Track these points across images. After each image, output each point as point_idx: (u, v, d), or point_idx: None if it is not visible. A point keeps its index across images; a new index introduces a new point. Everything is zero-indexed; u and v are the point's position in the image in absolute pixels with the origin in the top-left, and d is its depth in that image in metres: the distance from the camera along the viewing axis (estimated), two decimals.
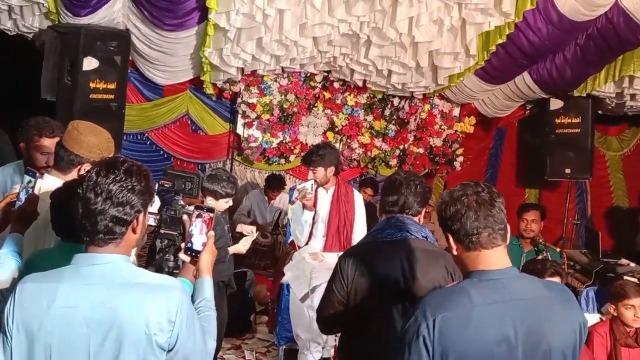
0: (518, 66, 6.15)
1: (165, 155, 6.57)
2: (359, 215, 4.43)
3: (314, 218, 4.33)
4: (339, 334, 4.11)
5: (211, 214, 2.04)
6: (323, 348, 4.28)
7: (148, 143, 6.46)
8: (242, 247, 3.96)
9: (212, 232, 2.03)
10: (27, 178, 2.36)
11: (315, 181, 4.24)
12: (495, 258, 1.80)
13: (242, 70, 6.08)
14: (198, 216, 2.04)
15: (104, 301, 1.62)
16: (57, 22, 5.39)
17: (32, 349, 1.63)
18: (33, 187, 2.34)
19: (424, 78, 6.26)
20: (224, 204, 3.89)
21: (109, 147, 2.66)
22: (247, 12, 5.12)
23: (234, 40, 5.42)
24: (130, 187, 1.69)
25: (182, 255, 2.04)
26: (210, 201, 3.81)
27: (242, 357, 4.65)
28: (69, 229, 2.14)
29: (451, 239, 1.85)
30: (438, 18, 5.36)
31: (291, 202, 4.31)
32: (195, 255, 2.01)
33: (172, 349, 1.69)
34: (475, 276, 1.80)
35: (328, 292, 2.54)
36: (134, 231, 1.73)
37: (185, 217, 2.12)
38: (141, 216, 1.74)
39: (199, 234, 2.03)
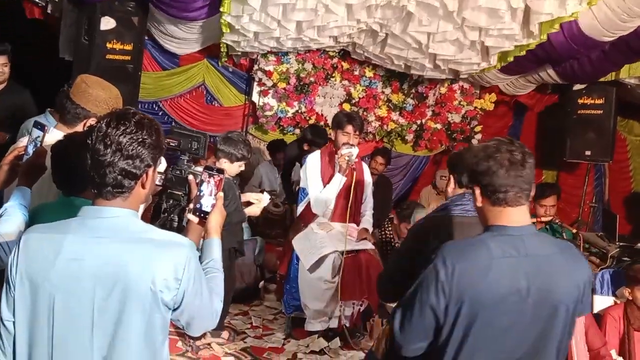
0: (538, 65, 6.06)
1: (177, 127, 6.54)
2: (367, 187, 4.39)
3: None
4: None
5: (221, 175, 2.00)
6: (330, 319, 4.27)
7: (160, 113, 6.39)
8: (257, 209, 3.94)
9: (221, 194, 2.00)
10: (35, 132, 2.33)
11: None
12: (516, 215, 1.87)
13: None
14: (208, 177, 2.00)
15: (110, 255, 1.59)
16: None
17: (36, 299, 1.61)
18: (41, 141, 2.31)
19: (443, 74, 6.25)
20: (237, 167, 3.87)
21: (117, 103, 2.61)
22: (258, 20, 5.05)
23: (250, 37, 5.41)
24: (140, 140, 1.64)
25: (191, 216, 2.00)
26: (224, 164, 3.80)
27: (250, 323, 4.66)
28: (68, 182, 2.12)
29: (478, 192, 1.92)
30: (457, 39, 5.26)
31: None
32: (204, 216, 1.97)
33: (178, 307, 1.66)
34: (495, 230, 1.88)
35: (404, 261, 2.46)
36: (143, 186, 1.69)
37: (190, 177, 2.09)
38: (151, 171, 1.70)
39: (209, 195, 1.99)
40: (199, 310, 1.72)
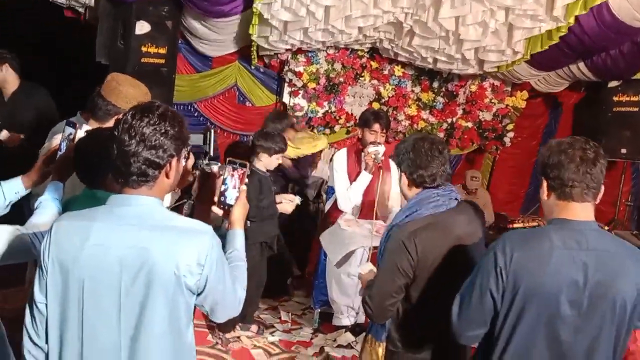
0: (569, 58, 5.96)
1: (212, 127, 6.63)
2: (394, 185, 4.41)
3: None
4: None
5: (244, 169, 2.07)
6: (357, 313, 4.32)
7: (196, 114, 6.51)
8: (288, 207, 4.05)
9: (244, 187, 2.06)
10: (68, 129, 2.44)
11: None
12: (581, 211, 1.90)
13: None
14: (232, 170, 2.07)
15: (136, 242, 1.66)
16: None
17: (67, 283, 1.69)
18: (73, 138, 2.43)
19: (471, 67, 6.14)
20: (275, 161, 4.04)
21: (146, 100, 2.70)
22: (289, 6, 5.09)
23: (280, 30, 5.44)
24: (163, 131, 1.71)
25: (215, 209, 2.08)
26: (263, 158, 3.94)
27: (278, 317, 4.74)
28: (90, 175, 2.21)
29: (545, 185, 1.96)
30: (483, 20, 5.19)
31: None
32: (228, 208, 2.05)
33: (201, 293, 1.73)
34: (558, 223, 1.92)
35: (388, 278, 2.35)
36: (167, 176, 1.76)
37: (214, 169, 2.16)
38: (174, 161, 1.76)
39: (232, 188, 2.06)
40: (222, 296, 1.79)
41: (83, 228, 1.70)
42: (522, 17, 5.14)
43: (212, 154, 4.07)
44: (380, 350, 2.46)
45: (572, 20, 5.05)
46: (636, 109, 6.47)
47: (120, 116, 1.77)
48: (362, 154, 4.27)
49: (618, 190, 6.82)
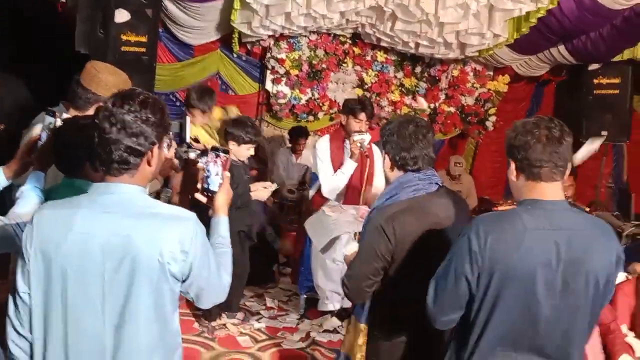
0: (550, 42, 6.00)
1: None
2: (378, 170, 4.43)
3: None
4: None
5: (227, 156, 2.07)
6: (342, 298, 4.34)
7: (178, 104, 6.45)
8: (264, 193, 4.01)
9: (227, 173, 2.06)
10: (48, 119, 2.42)
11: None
12: (550, 190, 1.90)
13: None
14: (215, 157, 2.07)
15: (119, 229, 1.65)
16: None
17: (49, 272, 1.68)
18: (54, 127, 2.41)
19: (452, 51, 6.17)
20: (245, 151, 3.94)
21: (126, 87, 2.69)
22: None
23: (262, 15, 5.41)
24: (145, 118, 1.70)
25: (199, 196, 2.08)
26: (232, 146, 3.87)
27: (264, 304, 4.76)
28: (68, 164, 2.19)
29: (513, 166, 1.96)
30: (464, 2, 5.21)
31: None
32: (211, 195, 2.05)
33: (186, 280, 1.73)
34: (529, 203, 1.92)
35: (365, 260, 2.36)
36: (149, 163, 1.75)
37: (191, 156, 2.15)
38: (156, 149, 1.75)
39: (215, 175, 2.06)
40: (207, 282, 1.79)
41: (65, 217, 1.70)
42: None
43: (188, 141, 4.00)
44: (362, 331, 2.48)
45: (555, 2, 5.07)
46: (616, 92, 6.53)
47: (101, 104, 1.76)
48: (347, 141, 4.28)
49: (599, 172, 6.89)
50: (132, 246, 1.65)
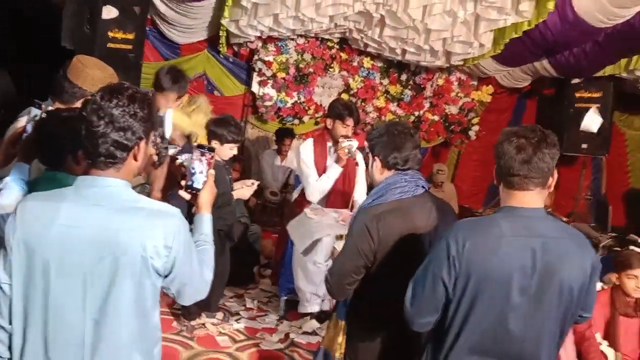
0: (534, 55, 6.09)
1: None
2: (360, 173, 4.47)
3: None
4: None
5: (212, 154, 2.09)
6: (322, 301, 4.36)
7: None
8: (246, 192, 4.01)
9: (212, 171, 2.07)
10: (34, 111, 2.41)
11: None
12: (527, 198, 1.91)
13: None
14: (200, 155, 2.08)
15: (103, 223, 1.66)
16: None
17: (32, 263, 1.68)
18: (38, 119, 2.40)
19: (437, 59, 6.22)
20: (228, 150, 3.93)
21: (112, 82, 2.68)
22: None
23: (250, 14, 5.40)
24: (132, 112, 1.69)
25: (182, 193, 2.09)
26: (215, 145, 3.86)
27: (244, 305, 4.75)
28: (50, 156, 2.17)
29: (494, 172, 1.99)
30: (451, 10, 5.27)
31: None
32: (195, 192, 2.05)
33: (168, 275, 1.74)
34: (507, 210, 1.94)
35: (348, 258, 2.40)
36: (135, 158, 1.75)
37: (170, 152, 2.16)
38: (142, 143, 1.75)
39: (199, 173, 2.07)
40: (190, 278, 1.79)
41: (50, 209, 1.69)
42: (489, 8, 5.22)
43: (167, 136, 3.94)
44: (342, 328, 2.50)
45: (538, 17, 5.15)
46: (597, 106, 6.65)
47: (89, 97, 1.75)
48: (330, 146, 4.32)
49: (578, 184, 7.00)
50: (116, 240, 1.65)
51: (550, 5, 4.99)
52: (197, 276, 1.83)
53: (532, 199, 1.91)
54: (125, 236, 1.65)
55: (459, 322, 1.91)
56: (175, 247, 1.70)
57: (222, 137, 3.87)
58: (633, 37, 5.33)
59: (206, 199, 2.06)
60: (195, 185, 2.06)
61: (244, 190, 4.00)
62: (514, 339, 1.90)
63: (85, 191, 1.71)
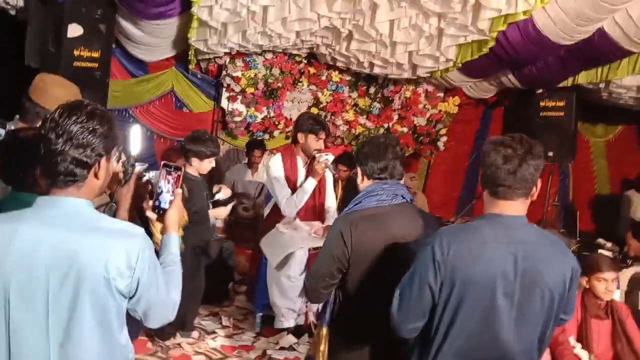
0: (498, 68, 6.21)
1: (149, 133, 6.50)
2: (329, 185, 4.50)
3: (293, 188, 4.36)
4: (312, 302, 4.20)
5: (179, 172, 2.05)
6: (298, 315, 4.34)
7: (131, 120, 6.35)
8: (222, 212, 4.00)
9: (179, 190, 2.03)
10: None
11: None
12: (510, 207, 1.96)
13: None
14: (166, 174, 2.04)
15: (63, 243, 1.61)
16: None
17: None
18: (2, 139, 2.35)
19: (405, 71, 6.30)
20: (208, 164, 3.94)
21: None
22: (231, 7, 5.05)
23: (219, 33, 5.41)
24: (91, 129, 1.66)
25: (149, 213, 2.05)
26: (194, 162, 3.86)
27: (219, 323, 4.69)
28: (13, 177, 2.12)
29: (480, 181, 2.04)
30: (416, 24, 5.33)
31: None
32: (162, 212, 2.01)
33: (133, 296, 1.69)
34: (490, 217, 1.99)
35: (323, 263, 2.45)
36: (96, 176, 1.71)
37: (137, 169, 2.13)
38: (104, 161, 1.72)
39: (166, 192, 2.03)
40: (156, 299, 1.74)
41: (7, 231, 1.64)
42: (450, 24, 5.30)
43: (134, 153, 3.91)
44: (324, 334, 2.51)
45: (494, 34, 5.23)
46: (561, 114, 6.79)
47: (48, 115, 1.71)
48: (300, 158, 4.33)
49: (546, 191, 7.12)
50: (77, 261, 1.60)
51: (504, 24, 5.05)
52: (164, 297, 1.78)
53: (515, 207, 1.96)
54: (86, 257, 1.61)
55: (444, 327, 1.94)
56: (138, 267, 1.66)
57: (201, 153, 3.88)
58: (594, 53, 5.49)
59: (173, 219, 2.00)
60: (162, 205, 2.02)
61: (220, 209, 3.99)
62: (498, 343, 1.92)
63: (44, 212, 1.67)
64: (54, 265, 1.60)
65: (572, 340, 3.68)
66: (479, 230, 1.95)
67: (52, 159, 1.65)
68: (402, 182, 2.58)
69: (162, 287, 1.76)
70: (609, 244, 5.37)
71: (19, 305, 1.62)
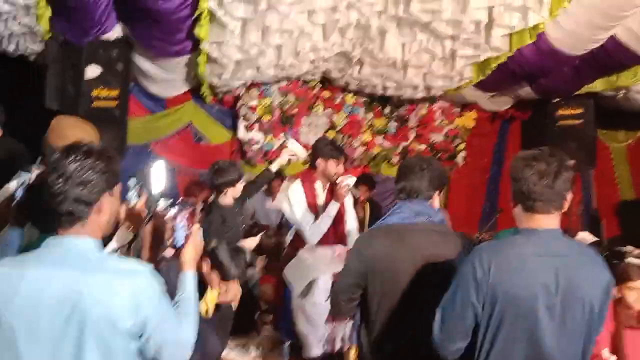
0: (513, 82, 6.21)
1: (170, 168, 6.49)
2: (349, 207, 4.49)
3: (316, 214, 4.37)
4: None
5: (190, 208, 2.09)
6: (326, 342, 4.31)
7: (153, 156, 6.31)
8: (252, 242, 4.09)
9: (196, 226, 2.07)
10: (23, 175, 2.43)
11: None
12: (545, 220, 1.99)
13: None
14: (179, 211, 2.08)
15: (68, 284, 1.63)
16: None
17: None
18: (29, 184, 2.40)
19: (419, 92, 6.30)
20: (240, 187, 4.16)
21: (94, 141, 2.68)
22: (240, 45, 5.08)
23: (231, 68, 5.47)
24: (89, 166, 1.69)
25: (168, 250, 2.08)
26: (229, 192, 4.07)
27: (248, 354, 4.68)
28: (41, 220, 2.18)
29: (512, 195, 2.05)
30: (428, 47, 5.36)
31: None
32: (177, 249, 2.05)
33: (142, 335, 1.69)
34: (527, 232, 2.02)
35: (343, 276, 2.57)
36: (100, 212, 1.73)
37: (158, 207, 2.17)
38: (106, 196, 1.74)
39: (181, 229, 2.07)
40: (167, 339, 1.73)
41: (15, 274, 1.67)
42: (464, 45, 5.30)
43: (159, 189, 3.97)
44: (353, 351, 2.56)
45: (510, 53, 5.23)
46: (580, 121, 6.72)
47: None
48: (319, 183, 4.37)
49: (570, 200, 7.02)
50: (81, 302, 1.61)
51: (523, 41, 5.06)
52: (176, 337, 1.77)
53: (550, 220, 1.99)
54: (90, 298, 1.62)
55: (488, 345, 1.95)
56: (145, 305, 1.66)
57: (232, 181, 4.08)
58: (608, 61, 5.48)
59: (189, 256, 2.03)
60: (175, 242, 2.04)
61: (248, 240, 4.05)
62: (542, 357, 1.92)
63: (50, 253, 1.70)
64: (59, 306, 1.62)
65: (606, 352, 3.61)
66: (517, 245, 1.98)
67: (54, 200, 1.69)
68: (430, 202, 2.57)
69: (173, 326, 1.76)
70: (637, 251, 5.27)
71: (26, 347, 1.63)
